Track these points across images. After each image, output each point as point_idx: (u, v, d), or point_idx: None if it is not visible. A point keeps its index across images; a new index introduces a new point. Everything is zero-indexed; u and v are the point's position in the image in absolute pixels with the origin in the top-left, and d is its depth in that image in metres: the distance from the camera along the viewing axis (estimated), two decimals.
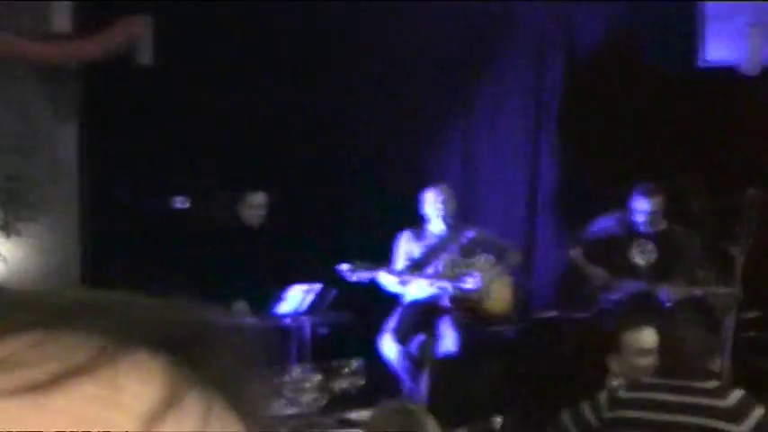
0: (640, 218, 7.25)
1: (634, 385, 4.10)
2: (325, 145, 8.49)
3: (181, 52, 8.36)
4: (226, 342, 0.65)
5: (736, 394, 3.92)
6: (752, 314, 7.44)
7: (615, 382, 4.40)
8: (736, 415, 3.84)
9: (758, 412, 3.86)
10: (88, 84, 8.29)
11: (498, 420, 3.66)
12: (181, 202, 8.30)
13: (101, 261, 8.35)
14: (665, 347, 4.27)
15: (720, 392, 3.92)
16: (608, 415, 4.04)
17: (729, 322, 7.22)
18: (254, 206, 7.62)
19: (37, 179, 7.82)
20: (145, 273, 8.34)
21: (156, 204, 8.36)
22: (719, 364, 4.22)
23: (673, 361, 4.11)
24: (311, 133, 8.48)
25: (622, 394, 4.06)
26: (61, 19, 7.26)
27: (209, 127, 8.41)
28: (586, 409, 4.12)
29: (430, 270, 7.41)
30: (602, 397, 4.11)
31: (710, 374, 4.04)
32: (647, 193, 7.24)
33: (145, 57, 7.90)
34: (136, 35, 7.73)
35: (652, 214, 7.23)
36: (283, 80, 8.45)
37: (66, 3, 7.30)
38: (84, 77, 8.24)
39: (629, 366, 4.50)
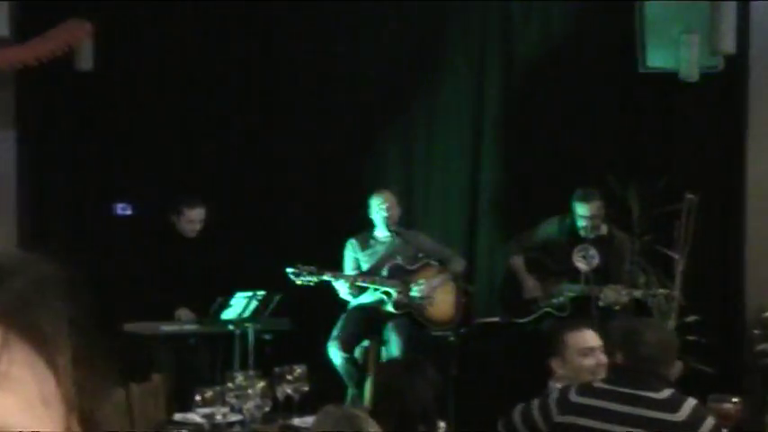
0: (580, 222, 7.31)
1: (585, 390, 4.05)
2: (266, 151, 8.46)
3: (121, 58, 8.31)
4: (16, 273, 0.64)
5: (689, 405, 3.88)
6: (691, 318, 7.52)
7: (558, 385, 4.40)
8: (689, 428, 3.83)
9: (709, 422, 3.85)
10: (25, 90, 8.21)
11: (443, 425, 3.65)
12: (122, 209, 8.23)
13: None
14: (610, 352, 4.26)
15: (673, 404, 3.88)
16: (557, 419, 4.02)
17: (669, 326, 7.30)
18: (193, 221, 7.57)
19: None
20: (87, 280, 8.28)
21: (97, 210, 8.29)
22: (680, 368, 4.18)
23: (623, 367, 4.09)
24: (250, 140, 8.45)
25: (573, 398, 4.03)
26: None
27: (149, 134, 8.36)
28: (536, 411, 4.10)
29: (376, 276, 7.42)
30: (552, 399, 4.09)
31: (664, 383, 3.99)
32: (586, 198, 7.29)
33: (85, 62, 7.82)
34: (75, 41, 7.65)
35: (591, 219, 7.28)
36: (223, 86, 8.42)
37: (3, 8, 7.21)
38: (21, 83, 8.15)
39: (572, 367, 4.51)
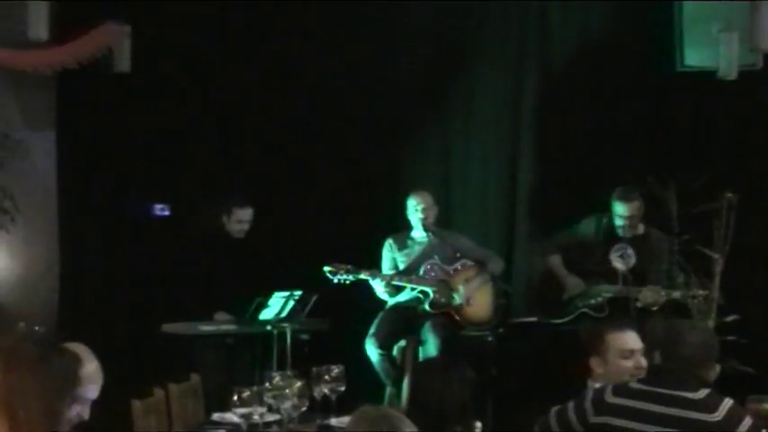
0: (618, 222, 7.28)
1: (621, 391, 4.04)
2: (304, 153, 8.48)
3: (158, 59, 8.35)
4: None
5: (725, 405, 3.86)
6: (731, 318, 7.47)
7: (597, 385, 4.39)
8: (726, 428, 3.81)
9: (747, 423, 3.83)
10: (64, 91, 8.27)
11: (479, 425, 3.64)
12: (161, 210, 8.27)
13: (79, 268, 8.32)
14: (649, 352, 4.23)
15: (709, 405, 3.86)
16: (593, 419, 4.01)
17: (709, 326, 7.24)
18: (242, 221, 7.62)
19: (12, 188, 7.78)
20: (123, 280, 8.34)
21: (135, 211, 8.34)
22: (718, 370, 4.14)
23: (662, 368, 4.07)
24: (288, 140, 8.47)
25: (609, 399, 4.01)
26: (37, 26, 7.22)
27: (187, 135, 8.40)
28: (571, 411, 4.09)
29: (413, 275, 7.42)
30: (588, 399, 4.08)
31: (702, 383, 3.97)
32: (625, 198, 7.27)
33: (122, 64, 7.87)
34: (113, 43, 7.70)
35: (630, 218, 7.25)
36: (262, 89, 8.44)
37: (42, 10, 7.26)
38: (60, 85, 8.22)
39: (611, 368, 4.48)
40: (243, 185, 8.23)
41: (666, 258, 7.43)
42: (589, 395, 4.10)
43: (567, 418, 4.08)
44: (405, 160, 8.41)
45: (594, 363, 4.52)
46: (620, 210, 7.28)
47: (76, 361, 3.31)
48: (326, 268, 7.16)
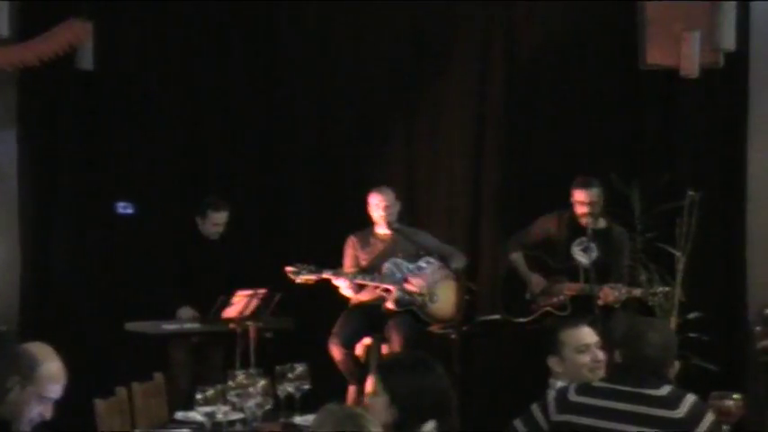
0: (579, 209, 7.28)
1: (584, 389, 4.06)
2: (267, 150, 8.46)
3: (122, 57, 8.32)
4: None
5: (688, 401, 3.89)
6: (693, 315, 7.52)
7: (559, 383, 4.40)
8: (688, 424, 3.83)
9: (709, 418, 3.86)
10: (26, 89, 8.21)
11: (431, 425, 3.63)
12: (123, 208, 8.23)
13: (42, 267, 8.27)
14: (611, 350, 4.25)
15: (672, 401, 3.89)
16: (556, 418, 4.03)
17: (671, 323, 7.29)
18: (218, 224, 7.61)
19: None
20: (87, 278, 8.30)
21: (98, 209, 8.30)
22: (677, 367, 4.16)
23: (623, 366, 4.10)
24: (251, 139, 8.45)
25: (572, 397, 4.04)
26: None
27: (150, 133, 8.36)
28: (536, 410, 4.12)
29: (375, 274, 7.41)
30: (551, 397, 4.10)
31: (663, 379, 3.99)
32: (585, 184, 7.29)
33: (85, 62, 7.82)
34: (76, 40, 7.65)
35: (590, 204, 7.26)
36: (230, 88, 8.43)
37: (4, 8, 7.20)
38: (22, 83, 8.16)
39: (569, 365, 4.50)
40: (211, 184, 8.22)
41: (628, 254, 7.46)
42: (552, 394, 4.12)
43: (534, 419, 4.10)
44: (370, 158, 8.40)
45: (553, 362, 4.54)
46: (580, 196, 7.29)
47: (33, 358, 3.29)
48: (289, 269, 7.15)
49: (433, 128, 8.49)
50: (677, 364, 4.15)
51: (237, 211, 7.83)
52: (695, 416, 3.84)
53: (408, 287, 7.36)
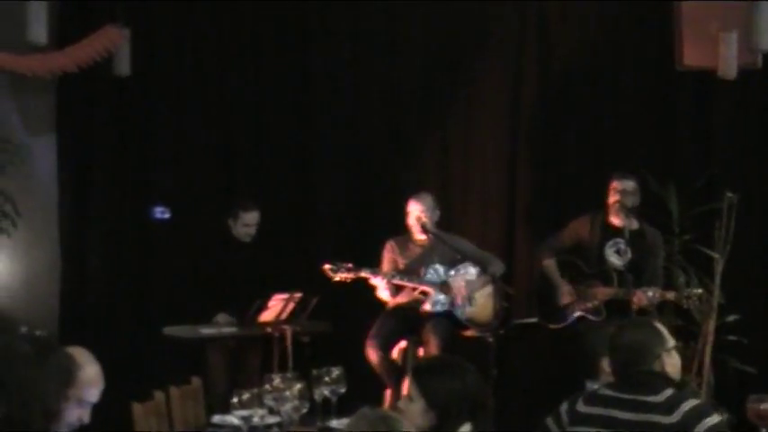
0: (612, 197, 7.24)
1: (591, 399, 4.07)
2: (305, 156, 8.48)
3: (159, 62, 8.37)
4: None
5: (686, 406, 3.86)
6: (732, 318, 7.47)
7: (596, 386, 4.40)
8: (682, 429, 3.81)
9: (706, 423, 3.82)
10: (65, 96, 8.28)
11: (467, 427, 3.64)
12: (161, 213, 8.28)
13: (81, 272, 8.33)
14: (601, 360, 4.22)
15: (668, 406, 3.87)
16: (569, 429, 4.06)
17: (710, 326, 7.25)
18: (249, 225, 7.65)
19: (13, 193, 7.79)
20: (125, 283, 8.36)
21: (137, 214, 8.35)
22: (674, 362, 4.10)
23: (617, 373, 4.10)
24: (289, 144, 8.47)
25: (580, 408, 4.06)
26: (36, 28, 7.22)
27: (188, 138, 8.40)
28: (550, 422, 4.13)
29: (414, 276, 7.42)
30: (563, 409, 4.12)
31: (665, 383, 3.97)
32: (622, 176, 7.27)
33: (122, 67, 7.88)
34: (113, 46, 7.70)
35: (622, 193, 7.22)
36: (262, 92, 8.45)
37: (41, 12, 7.25)
38: (60, 89, 8.22)
39: None
40: (245, 188, 8.26)
41: (663, 256, 7.41)
42: (564, 406, 4.13)
43: (549, 429, 4.12)
44: (403, 165, 8.40)
45: (605, 363, 4.51)
46: (617, 184, 7.27)
47: (74, 363, 3.31)
48: (327, 266, 7.16)
49: (467, 133, 8.47)
50: (672, 358, 4.08)
51: (272, 214, 7.87)
52: (690, 420, 3.82)
53: (447, 289, 7.36)
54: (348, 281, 7.18)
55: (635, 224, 7.32)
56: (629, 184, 7.28)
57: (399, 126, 8.47)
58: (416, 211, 7.47)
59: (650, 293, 6.99)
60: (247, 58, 8.47)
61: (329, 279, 7.14)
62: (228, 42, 8.45)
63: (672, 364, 4.07)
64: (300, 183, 8.47)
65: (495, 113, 8.43)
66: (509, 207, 8.38)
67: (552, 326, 7.40)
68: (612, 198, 7.28)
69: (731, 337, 7.43)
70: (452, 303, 7.39)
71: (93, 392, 3.51)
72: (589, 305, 7.26)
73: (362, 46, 8.49)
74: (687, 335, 7.23)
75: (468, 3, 8.32)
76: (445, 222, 7.87)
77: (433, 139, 8.49)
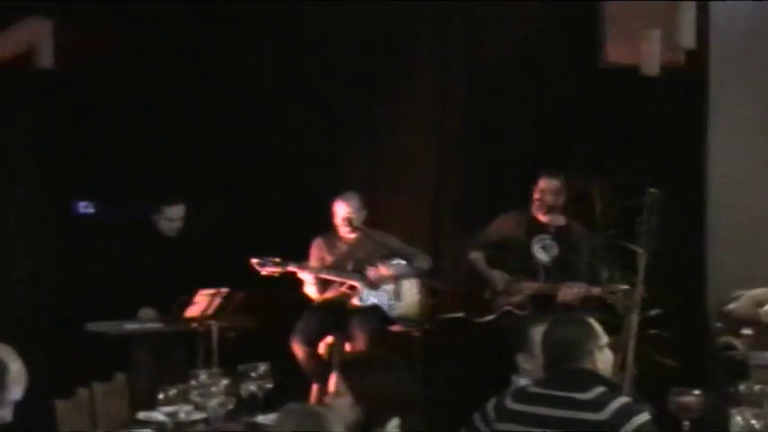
0: (536, 195, 7.29)
1: (520, 396, 4.08)
2: (234, 152, 8.45)
3: (82, 55, 8.27)
4: None
5: (616, 404, 3.88)
6: (654, 312, 7.56)
7: (522, 380, 4.42)
8: (612, 426, 3.83)
9: (639, 419, 3.84)
10: None
11: (395, 423, 3.64)
12: (84, 207, 8.19)
13: (2, 268, 8.21)
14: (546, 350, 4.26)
15: (597, 404, 3.89)
16: (496, 426, 4.06)
17: (633, 320, 7.33)
18: (173, 219, 7.60)
19: None
20: (47, 279, 8.25)
21: (58, 209, 8.25)
22: (606, 359, 4.14)
23: (548, 369, 4.12)
24: (219, 141, 8.43)
25: (509, 405, 4.06)
26: None
27: (114, 132, 8.32)
28: (477, 419, 4.14)
29: (341, 270, 7.42)
30: (490, 405, 4.12)
31: (594, 381, 4.00)
32: (549, 174, 7.32)
33: (45, 60, 7.77)
34: (34, 39, 7.60)
35: (542, 192, 7.28)
36: (190, 84, 8.40)
37: None
38: None
39: (539, 362, 4.50)
40: (172, 183, 8.20)
41: (588, 251, 7.49)
42: (491, 402, 4.14)
43: (476, 426, 4.13)
44: (331, 160, 8.39)
45: (522, 359, 4.55)
46: (539, 183, 7.33)
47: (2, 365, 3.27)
48: (255, 260, 7.14)
49: (394, 128, 8.49)
50: (604, 356, 4.12)
51: (199, 209, 7.82)
52: (620, 417, 3.84)
53: (372, 275, 7.36)
54: (276, 275, 7.16)
55: (561, 220, 7.38)
56: (552, 183, 7.33)
57: (327, 123, 8.45)
58: (343, 212, 7.48)
59: (575, 288, 7.06)
60: (177, 49, 8.40)
61: (257, 273, 7.11)
62: (156, 33, 8.38)
63: (603, 361, 4.10)
64: (229, 179, 8.43)
65: (421, 110, 8.45)
66: (435, 203, 8.41)
67: (478, 320, 7.44)
68: (536, 195, 7.35)
69: (653, 332, 7.52)
70: (379, 297, 7.39)
71: (15, 390, 3.46)
72: (515, 299, 7.31)
73: (296, 41, 8.47)
74: (610, 329, 7.29)
75: (396, 1, 8.34)
76: (372, 218, 7.87)
77: (360, 136, 8.49)
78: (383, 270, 7.38)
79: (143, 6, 8.31)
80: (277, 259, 7.17)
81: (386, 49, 8.45)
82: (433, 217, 8.42)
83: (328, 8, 8.37)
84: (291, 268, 7.24)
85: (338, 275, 7.40)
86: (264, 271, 7.13)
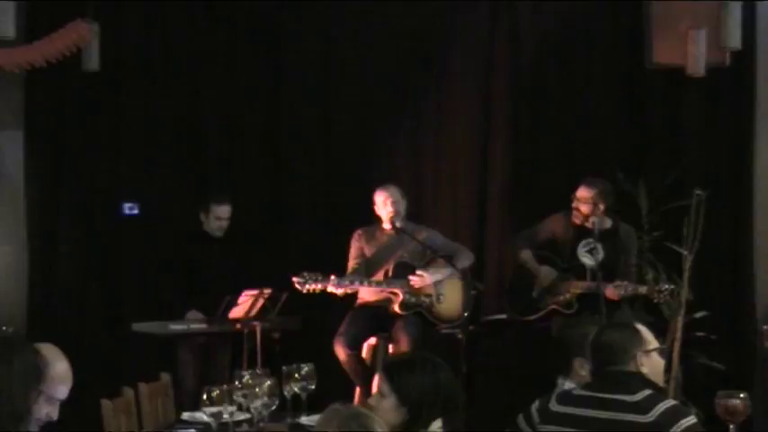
0: (583, 208, 7.25)
1: (565, 398, 4.09)
2: (273, 148, 8.46)
3: (128, 58, 8.32)
4: None
5: (663, 406, 3.88)
6: (700, 314, 7.51)
7: (567, 384, 4.40)
8: (659, 428, 3.82)
9: (685, 422, 3.83)
10: (33, 91, 8.22)
11: (438, 425, 3.64)
12: (130, 209, 8.24)
13: (49, 269, 8.27)
14: (573, 360, 4.23)
15: (644, 406, 3.88)
16: (540, 428, 4.07)
17: (678, 323, 7.28)
18: (221, 218, 7.63)
19: None
20: (94, 278, 8.31)
21: (104, 210, 8.31)
22: (655, 365, 4.12)
23: (594, 373, 4.12)
24: (258, 138, 8.46)
25: (553, 407, 4.07)
26: (4, 24, 7.15)
27: (159, 134, 8.37)
28: (521, 421, 4.15)
29: (381, 275, 7.40)
30: (534, 408, 4.14)
31: (643, 384, 3.98)
32: (587, 183, 7.28)
33: (91, 63, 7.82)
34: (81, 41, 7.65)
35: (579, 200, 7.24)
36: (233, 87, 8.43)
37: (9, 7, 7.19)
38: (29, 84, 8.17)
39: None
40: (216, 183, 8.24)
41: (636, 253, 7.45)
42: (535, 404, 4.15)
43: (521, 428, 4.13)
44: (374, 157, 8.39)
45: (578, 363, 4.51)
46: (578, 192, 7.29)
47: (43, 360, 3.29)
48: (295, 278, 7.10)
49: (439, 127, 8.48)
50: (652, 361, 4.10)
51: (242, 210, 7.85)
52: (667, 420, 3.83)
53: (416, 283, 7.34)
54: (317, 292, 7.13)
55: (608, 223, 7.33)
56: (589, 192, 7.25)
57: (370, 121, 8.45)
58: (384, 202, 7.44)
59: (622, 288, 7.02)
60: (217, 52, 8.43)
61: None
62: (199, 38, 8.41)
63: (650, 365, 4.08)
64: (272, 178, 8.45)
65: (465, 109, 8.44)
66: (480, 201, 8.40)
67: (524, 318, 7.42)
68: (573, 204, 7.31)
69: (700, 334, 7.46)
70: (419, 303, 7.37)
71: (61, 389, 3.48)
72: (561, 298, 7.29)
73: (334, 39, 8.48)
74: (656, 332, 7.24)
75: (439, 1, 8.34)
76: (416, 215, 7.86)
77: (405, 134, 8.48)
78: (427, 279, 7.35)
79: (188, 7, 8.36)
80: (318, 275, 7.12)
81: (430, 46, 8.44)
82: (476, 214, 8.40)
83: (372, 4, 8.36)
84: (331, 287, 7.16)
85: (380, 285, 7.36)
86: (305, 289, 7.09)
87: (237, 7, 8.38)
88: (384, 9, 8.36)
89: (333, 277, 7.14)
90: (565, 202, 7.43)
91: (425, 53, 8.45)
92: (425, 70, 8.46)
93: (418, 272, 7.32)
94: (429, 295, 7.39)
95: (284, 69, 8.44)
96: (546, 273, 7.39)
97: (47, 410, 3.43)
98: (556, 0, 8.28)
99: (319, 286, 7.11)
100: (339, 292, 7.20)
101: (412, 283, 7.31)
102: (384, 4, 8.35)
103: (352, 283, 7.29)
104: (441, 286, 7.43)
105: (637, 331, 4.14)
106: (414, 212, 7.77)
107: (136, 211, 8.24)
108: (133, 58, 8.34)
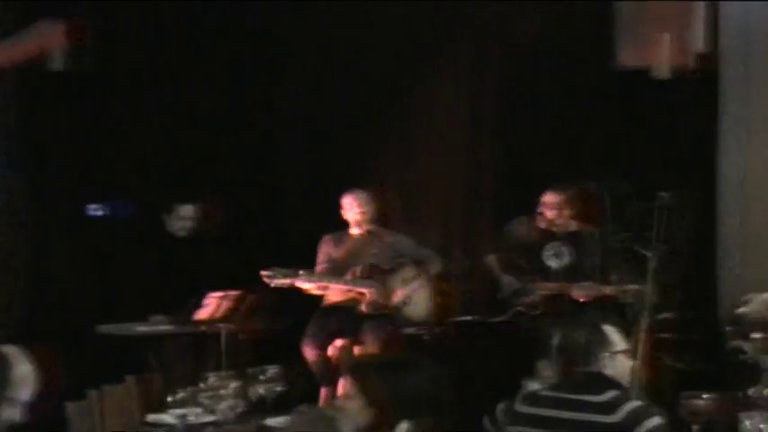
0: (548, 213, 7.30)
1: (530, 399, 4.10)
2: (251, 150, 8.46)
3: (96, 58, 8.27)
4: None
5: (628, 407, 3.89)
6: (665, 315, 7.54)
7: (534, 385, 4.42)
8: (624, 428, 3.83)
9: (649, 424, 3.85)
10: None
11: (405, 427, 3.64)
12: (94, 210, 8.20)
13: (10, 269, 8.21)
14: (559, 355, 4.25)
15: (610, 406, 3.90)
16: (506, 430, 4.08)
17: (643, 324, 7.31)
18: (184, 218, 7.59)
19: None
20: (58, 280, 8.26)
21: (69, 211, 8.26)
22: (621, 362, 4.14)
23: (563, 372, 4.14)
24: (236, 139, 8.44)
25: (518, 408, 4.09)
26: None
27: (127, 134, 8.33)
28: (487, 422, 4.16)
29: (349, 275, 7.40)
30: (500, 409, 4.15)
31: (609, 384, 4.00)
32: (552, 188, 7.32)
33: (57, 63, 7.76)
34: (47, 41, 7.59)
35: (543, 204, 7.29)
36: (208, 85, 8.41)
37: None
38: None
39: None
40: (185, 183, 8.21)
41: (600, 255, 7.48)
42: (500, 406, 4.16)
43: (486, 429, 4.14)
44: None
45: (542, 365, 4.53)
46: (549, 197, 7.34)
47: (5, 362, 3.27)
48: (264, 272, 7.10)
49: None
50: (609, 362, 4.12)
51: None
52: (632, 421, 3.84)
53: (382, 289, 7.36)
54: (285, 287, 7.13)
55: (573, 225, 7.37)
56: (554, 198, 7.32)
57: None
58: (351, 207, 7.45)
59: (587, 289, 7.06)
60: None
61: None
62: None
63: (614, 367, 4.10)
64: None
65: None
66: (446, 205, 8.42)
67: (491, 319, 7.44)
68: (548, 214, 7.35)
69: (664, 335, 7.49)
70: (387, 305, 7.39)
71: (24, 391, 3.47)
72: (527, 300, 7.32)
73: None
74: (623, 333, 7.27)
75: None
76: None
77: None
78: (399, 293, 7.37)
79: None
80: (286, 270, 7.12)
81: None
82: (443, 220, 8.42)
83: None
84: (300, 282, 7.17)
85: (347, 284, 7.36)
86: (274, 284, 7.09)
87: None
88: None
89: (301, 272, 7.14)
90: (530, 205, 7.46)
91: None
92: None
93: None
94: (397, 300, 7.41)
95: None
96: (508, 282, 7.41)
97: (9, 413, 3.41)
98: (520, 2, 8.31)
99: (288, 281, 7.10)
100: (308, 287, 7.19)
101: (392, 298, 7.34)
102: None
103: (321, 279, 7.29)
104: (409, 289, 7.44)
105: (603, 332, 4.15)
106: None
107: (100, 213, 8.20)
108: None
